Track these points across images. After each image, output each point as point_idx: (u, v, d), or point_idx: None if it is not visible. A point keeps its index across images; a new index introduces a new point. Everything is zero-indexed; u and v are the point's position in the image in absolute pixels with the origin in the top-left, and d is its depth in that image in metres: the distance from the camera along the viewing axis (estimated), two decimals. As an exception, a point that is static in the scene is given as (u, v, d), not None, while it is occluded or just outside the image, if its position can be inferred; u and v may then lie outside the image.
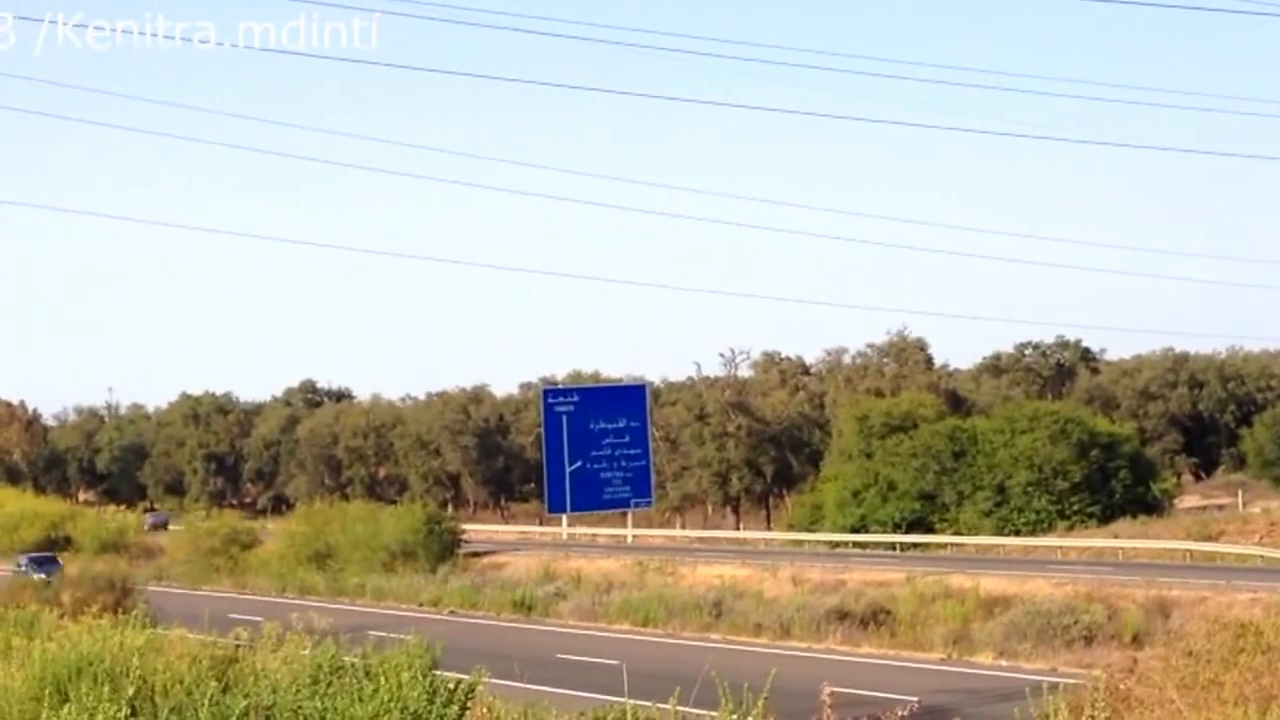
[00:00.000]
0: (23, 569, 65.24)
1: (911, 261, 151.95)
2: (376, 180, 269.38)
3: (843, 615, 44.23)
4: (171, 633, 23.17)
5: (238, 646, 21.77)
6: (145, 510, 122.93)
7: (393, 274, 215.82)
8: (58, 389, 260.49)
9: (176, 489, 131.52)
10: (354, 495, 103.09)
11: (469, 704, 15.90)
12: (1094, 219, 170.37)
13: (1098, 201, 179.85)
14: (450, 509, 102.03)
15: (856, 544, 71.84)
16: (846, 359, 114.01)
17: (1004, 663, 37.99)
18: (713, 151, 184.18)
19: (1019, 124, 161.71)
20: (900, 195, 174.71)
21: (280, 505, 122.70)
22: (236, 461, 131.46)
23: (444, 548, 65.46)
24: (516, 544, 77.95)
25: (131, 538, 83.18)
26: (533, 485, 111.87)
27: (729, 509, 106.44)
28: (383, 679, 15.25)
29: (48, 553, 72.94)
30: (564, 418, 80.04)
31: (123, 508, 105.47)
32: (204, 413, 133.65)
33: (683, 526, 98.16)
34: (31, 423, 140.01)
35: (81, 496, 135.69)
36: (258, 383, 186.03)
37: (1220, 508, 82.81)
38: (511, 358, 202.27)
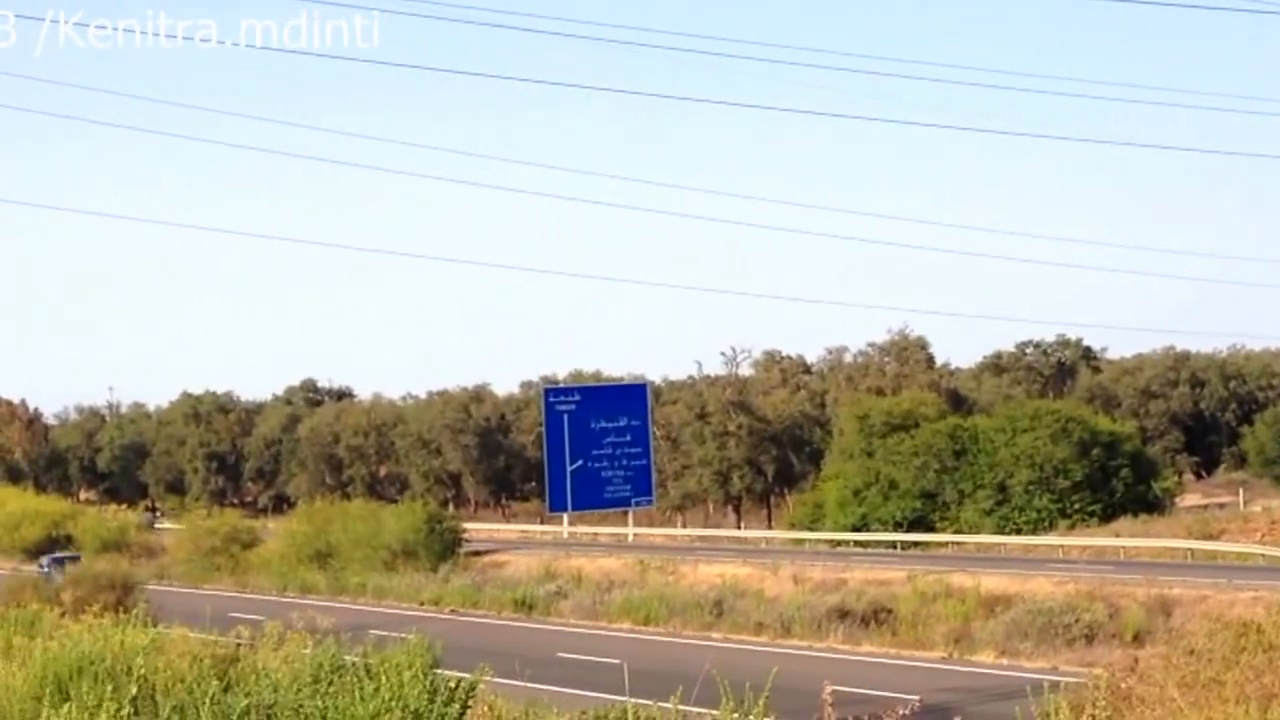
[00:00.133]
0: (45, 570, 63.91)
1: (912, 260, 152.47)
2: (377, 179, 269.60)
3: (844, 614, 44.25)
4: (173, 632, 23.17)
5: (239, 645, 21.78)
6: (146, 509, 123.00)
7: (394, 273, 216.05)
8: (59, 388, 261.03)
9: (177, 488, 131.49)
10: (355, 494, 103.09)
11: (470, 703, 15.89)
12: (1095, 218, 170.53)
13: (1099, 200, 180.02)
14: (451, 508, 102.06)
15: (857, 543, 71.83)
16: (847, 358, 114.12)
17: (1005, 661, 38.01)
18: (713, 150, 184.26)
19: (1020, 123, 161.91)
20: (901, 194, 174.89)
21: (281, 504, 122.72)
22: (237, 460, 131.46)
23: (445, 547, 65.47)
24: (517, 543, 77.95)
25: (133, 537, 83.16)
26: (534, 484, 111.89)
27: (730, 508, 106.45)
28: (384, 678, 15.25)
29: (73, 553, 71.55)
30: (565, 417, 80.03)
31: (124, 507, 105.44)
32: (205, 412, 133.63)
33: (684, 525, 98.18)
34: (32, 422, 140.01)
35: (83, 495, 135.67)
36: (259, 382, 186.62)
37: (1221, 506, 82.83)
38: (512, 357, 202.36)
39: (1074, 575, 48.45)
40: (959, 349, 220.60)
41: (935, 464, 77.44)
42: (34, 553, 79.01)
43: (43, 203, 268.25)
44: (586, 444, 79.29)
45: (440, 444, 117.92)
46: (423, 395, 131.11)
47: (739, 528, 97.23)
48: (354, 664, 16.83)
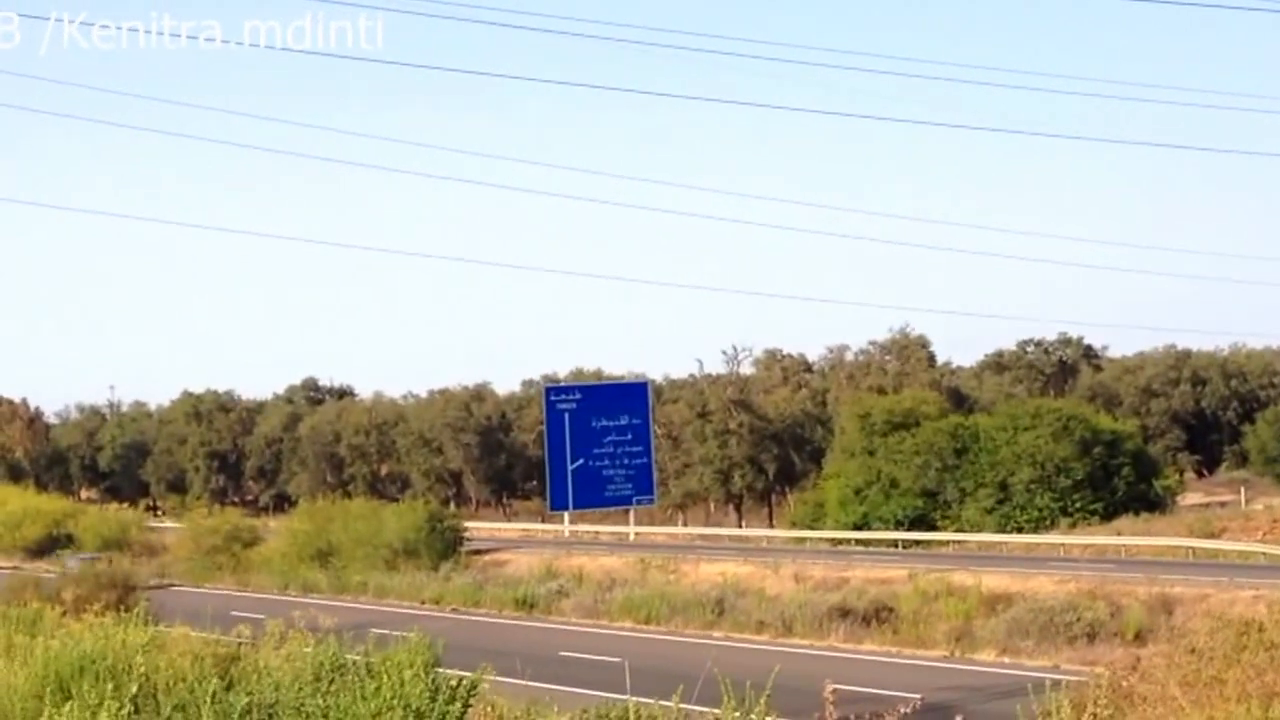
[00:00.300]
0: (72, 571, 62.98)
1: (913, 259, 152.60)
2: (378, 178, 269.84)
3: (845, 613, 44.24)
4: (174, 630, 23.17)
5: (240, 644, 21.78)
6: (147, 508, 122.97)
7: (395, 271, 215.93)
8: (60, 387, 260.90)
9: (179, 487, 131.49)
10: (356, 493, 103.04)
11: (471, 702, 15.89)
12: (1096, 216, 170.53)
13: (1100, 199, 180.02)
14: (452, 507, 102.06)
15: (859, 541, 71.83)
16: (849, 356, 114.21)
17: (1006, 660, 38.02)
18: (714, 149, 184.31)
19: (1021, 121, 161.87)
20: (902, 193, 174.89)
21: (282, 503, 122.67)
22: (238, 459, 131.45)
23: (446, 545, 65.45)
24: (518, 541, 77.92)
25: (134, 535, 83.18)
26: (535, 483, 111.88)
27: (731, 506, 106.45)
28: (385, 677, 15.25)
29: (93, 553, 70.61)
30: (566, 415, 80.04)
31: (125, 505, 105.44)
32: (206, 410, 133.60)
33: (685, 524, 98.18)
34: (34, 420, 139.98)
35: (84, 494, 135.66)
36: (260, 380, 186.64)
37: (1223, 505, 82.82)
38: (514, 355, 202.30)
39: (1075, 574, 48.44)
40: (960, 347, 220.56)
41: (936, 463, 77.44)
42: (35, 551, 78.94)
43: (44, 201, 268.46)
44: (588, 442, 79.29)
45: (441, 443, 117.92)
46: (424, 394, 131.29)
47: (740, 526, 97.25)
48: (355, 663, 16.84)
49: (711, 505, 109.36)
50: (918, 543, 69.52)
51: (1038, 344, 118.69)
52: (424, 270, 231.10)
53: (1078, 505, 74.40)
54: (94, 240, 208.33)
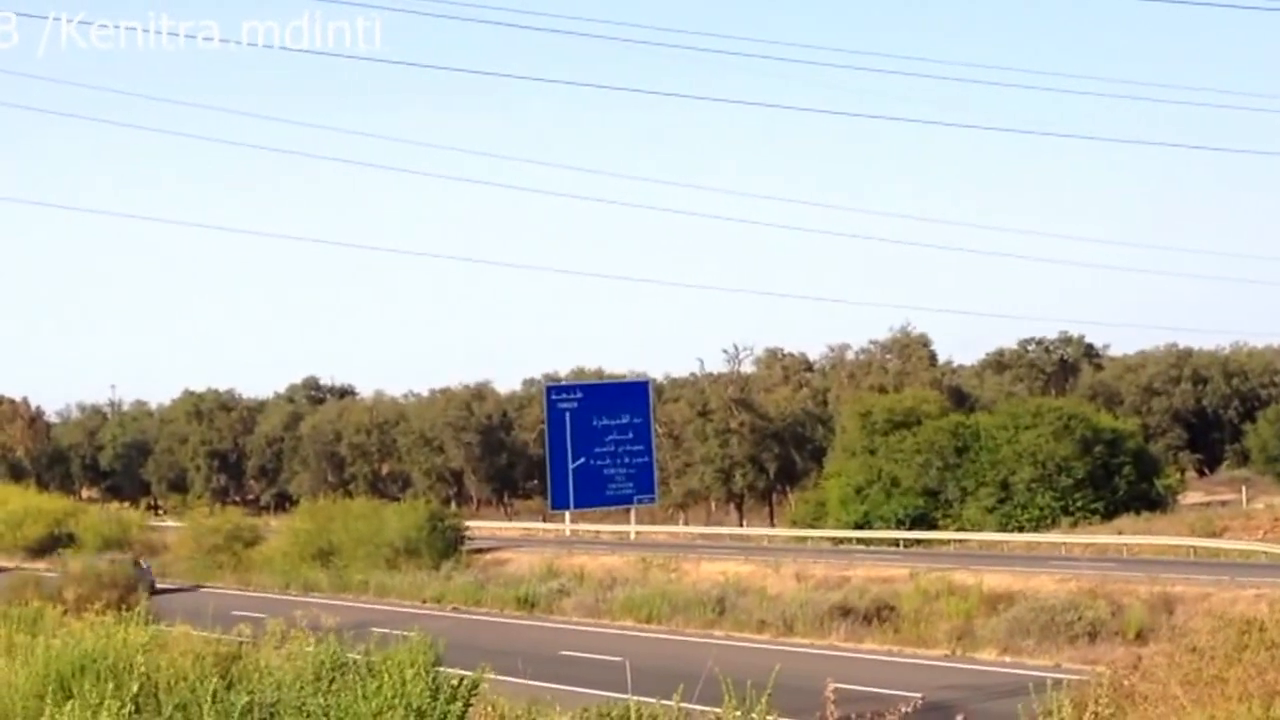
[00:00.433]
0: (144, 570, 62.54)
1: (914, 257, 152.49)
2: (379, 177, 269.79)
3: (846, 611, 44.23)
4: (175, 629, 23.16)
5: (241, 643, 21.78)
6: (148, 507, 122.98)
7: (396, 270, 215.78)
8: (61, 386, 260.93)
9: (180, 486, 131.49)
10: (357, 492, 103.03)
11: (472, 701, 15.90)
12: (1097, 215, 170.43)
13: (1101, 197, 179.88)
14: (453, 506, 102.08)
15: (860, 540, 71.85)
16: (850, 355, 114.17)
17: (1008, 659, 38.01)
18: (715, 148, 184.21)
19: (1023, 120, 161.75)
20: (903, 191, 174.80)
21: (283, 502, 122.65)
22: (239, 458, 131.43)
23: (447, 544, 65.46)
24: (519, 541, 77.94)
25: (135, 534, 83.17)
26: (536, 482, 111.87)
27: (732, 505, 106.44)
28: (386, 676, 15.26)
29: (132, 555, 69.05)
30: (567, 414, 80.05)
31: (126, 505, 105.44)
32: (207, 409, 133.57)
33: (686, 523, 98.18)
34: (34, 419, 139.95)
35: (85, 493, 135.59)
36: (260, 379, 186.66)
37: (1224, 504, 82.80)
38: (515, 354, 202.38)
39: (1076, 573, 48.44)
40: (961, 346, 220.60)
41: (937, 461, 77.42)
42: (36, 551, 78.79)
43: (44, 200, 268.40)
44: (589, 441, 79.31)
45: (442, 442, 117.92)
46: (425, 393, 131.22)
47: (741, 525, 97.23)
48: (356, 662, 16.84)
49: (712, 504, 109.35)
50: (919, 542, 69.53)
51: (1039, 343, 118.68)
52: (425, 269, 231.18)
53: (1079, 504, 74.39)
54: (95, 239, 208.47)
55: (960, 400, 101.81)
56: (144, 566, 64.07)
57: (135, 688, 15.47)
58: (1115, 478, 76.43)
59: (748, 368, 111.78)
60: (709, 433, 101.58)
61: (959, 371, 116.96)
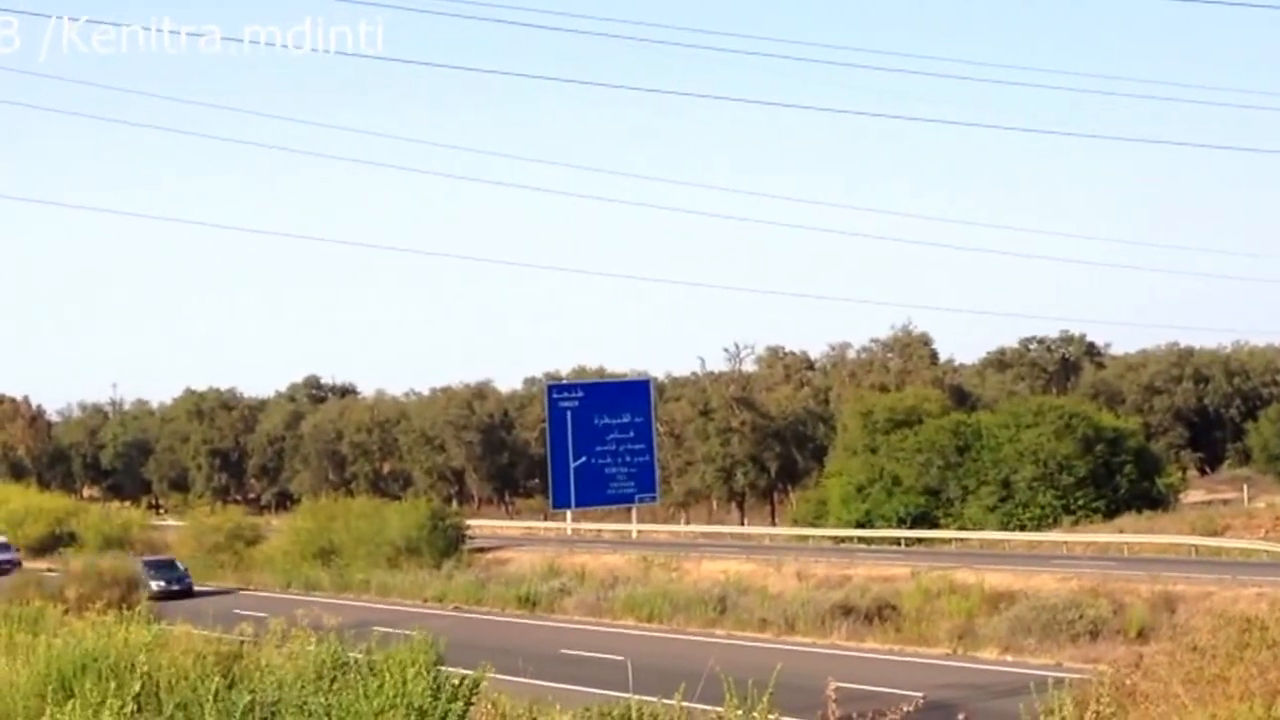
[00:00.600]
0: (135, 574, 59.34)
1: (916, 256, 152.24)
2: (380, 175, 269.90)
3: (847, 610, 44.23)
4: (176, 629, 23.18)
5: (242, 642, 21.78)
6: (149, 506, 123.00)
7: (397, 269, 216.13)
8: (62, 385, 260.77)
9: (181, 485, 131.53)
10: (358, 491, 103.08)
11: (473, 700, 15.91)
12: (1098, 213, 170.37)
13: (1102, 196, 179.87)
14: (454, 505, 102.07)
15: (861, 539, 71.86)
16: (851, 354, 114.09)
17: (1009, 658, 37.99)
18: (716, 147, 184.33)
19: (1025, 119, 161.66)
20: (904, 190, 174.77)
21: (284, 501, 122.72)
22: (241, 457, 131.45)
23: (448, 543, 65.48)
24: (521, 539, 77.97)
25: (136, 533, 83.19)
26: (537, 481, 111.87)
27: (733, 504, 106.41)
28: (388, 675, 15.27)
29: (167, 556, 67.00)
30: (568, 413, 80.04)
31: (127, 504, 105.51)
32: (208, 408, 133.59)
33: (687, 522, 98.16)
34: (36, 418, 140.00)
35: (86, 492, 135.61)
36: (262, 378, 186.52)
37: (1225, 502, 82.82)
38: (516, 353, 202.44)
39: (1078, 571, 48.45)
40: (962, 345, 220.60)
41: (939, 460, 77.39)
42: (37, 550, 78.76)
43: (45, 199, 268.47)
44: (590, 440, 79.30)
45: (444, 440, 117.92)
46: (426, 392, 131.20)
47: (742, 524, 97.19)
48: (358, 661, 16.84)
49: (714, 503, 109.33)
50: (920, 540, 69.52)
51: (1040, 341, 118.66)
52: (426, 268, 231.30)
53: (1080, 503, 74.35)
54: (96, 238, 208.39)
55: (962, 399, 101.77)
56: (181, 569, 62.69)
57: (136, 687, 15.48)
58: (1117, 476, 76.39)
59: (749, 366, 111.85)
60: (710, 431, 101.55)
61: (960, 370, 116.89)
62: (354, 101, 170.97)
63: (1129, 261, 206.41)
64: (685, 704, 13.92)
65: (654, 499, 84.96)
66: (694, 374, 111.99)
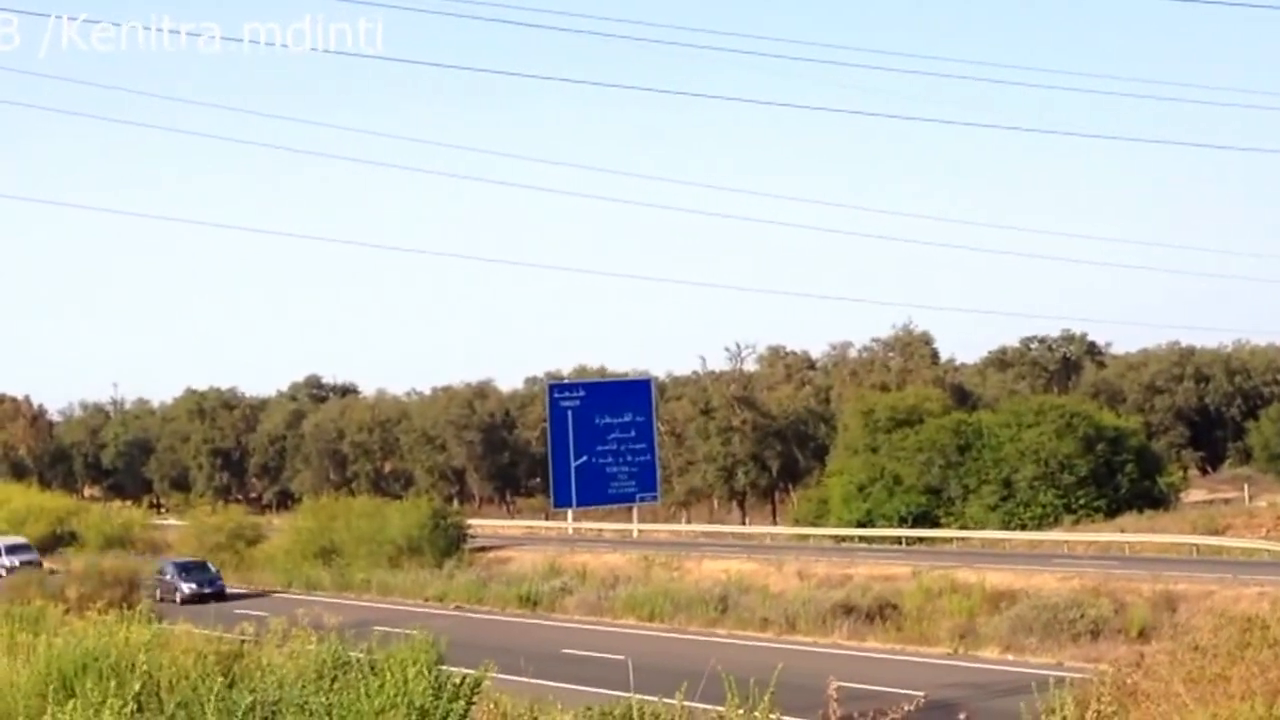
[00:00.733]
0: (166, 578, 59.11)
1: (917, 255, 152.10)
2: (381, 175, 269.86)
3: (849, 610, 44.24)
4: (177, 628, 23.19)
5: (243, 642, 21.78)
6: (150, 505, 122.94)
7: (398, 269, 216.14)
8: (63, 384, 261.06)
9: (182, 484, 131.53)
10: (359, 490, 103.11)
11: (475, 699, 15.91)
12: (1100, 212, 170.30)
13: (1103, 195, 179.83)
14: (456, 504, 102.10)
15: (862, 538, 71.87)
16: (852, 353, 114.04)
17: (1010, 657, 38.00)
18: (718, 146, 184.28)
19: (1026, 118, 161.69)
20: (905, 189, 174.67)
21: (286, 500, 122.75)
22: (242, 457, 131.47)
23: (449, 543, 65.49)
24: (522, 539, 77.98)
25: (137, 533, 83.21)
26: (538, 480, 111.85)
27: (734, 504, 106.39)
28: (389, 674, 15.26)
29: (198, 558, 65.06)
30: (569, 412, 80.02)
31: (128, 503, 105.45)
32: (209, 408, 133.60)
33: (688, 521, 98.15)
34: (37, 418, 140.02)
35: (87, 492, 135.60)
36: (263, 378, 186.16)
37: (1226, 502, 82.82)
38: (517, 352, 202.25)
39: (1079, 571, 48.45)
40: (963, 344, 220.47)
41: (940, 459, 77.35)
42: (39, 549, 78.70)
43: (46, 198, 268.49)
44: (591, 440, 79.27)
45: (445, 440, 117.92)
46: (427, 391, 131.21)
47: (744, 523, 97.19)
48: (359, 660, 16.84)
49: (715, 502, 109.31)
50: (921, 540, 69.52)
51: (1041, 340, 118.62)
52: (427, 267, 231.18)
53: (1081, 502, 74.31)
54: (97, 237, 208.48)
55: (963, 398, 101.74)
56: (213, 571, 61.06)
57: (137, 686, 15.47)
58: (1118, 476, 76.35)
59: (750, 366, 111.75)
60: (711, 431, 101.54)
61: (961, 369, 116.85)
62: (354, 100, 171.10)
63: (1130, 261, 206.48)
64: (686, 703, 13.92)
65: (655, 498, 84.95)
66: (695, 373, 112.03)
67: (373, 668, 16.10)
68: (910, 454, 78.40)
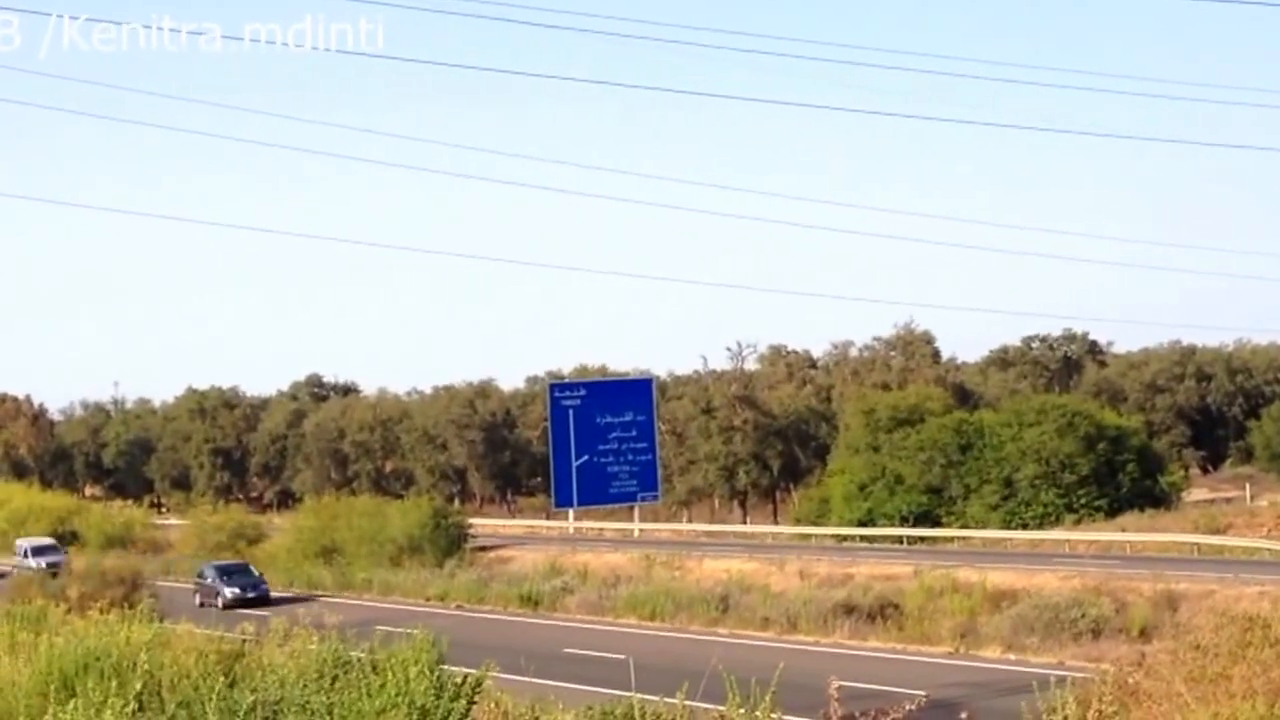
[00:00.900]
0: (206, 582, 57.20)
1: (918, 254, 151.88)
2: (383, 173, 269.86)
3: (850, 609, 44.24)
4: (178, 627, 23.20)
5: (245, 641, 21.79)
6: (152, 505, 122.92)
7: (399, 268, 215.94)
8: (64, 383, 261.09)
9: (183, 483, 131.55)
10: (360, 490, 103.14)
11: (476, 699, 15.90)
12: (1101, 212, 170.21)
13: (1105, 194, 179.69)
14: (457, 503, 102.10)
15: (863, 538, 71.85)
16: (853, 352, 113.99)
17: (1011, 656, 38.00)
18: (719, 145, 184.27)
19: (1027, 117, 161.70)
20: (906, 188, 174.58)
21: (287, 500, 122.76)
22: (243, 456, 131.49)
23: (451, 542, 65.50)
24: (523, 538, 78.01)
25: (138, 532, 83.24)
26: (539, 479, 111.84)
27: (736, 503, 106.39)
28: (390, 674, 15.26)
29: (240, 561, 62.71)
30: (570, 412, 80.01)
31: (129, 502, 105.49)
32: (210, 407, 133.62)
33: (689, 521, 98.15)
34: (38, 417, 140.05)
35: (88, 491, 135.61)
36: (264, 377, 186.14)
37: (1228, 501, 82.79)
38: (518, 352, 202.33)
39: (1080, 570, 48.45)
40: (965, 343, 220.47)
41: (941, 459, 77.36)
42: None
43: (46, 198, 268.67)
44: (592, 439, 79.26)
45: (446, 439, 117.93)
46: (428, 390, 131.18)
47: (745, 523, 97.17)
48: (360, 660, 16.84)
49: (716, 502, 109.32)
50: (922, 539, 69.52)
51: (1042, 340, 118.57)
52: (428, 266, 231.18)
53: (1082, 501, 74.31)
54: (98, 237, 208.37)
55: (964, 397, 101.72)
56: (256, 574, 58.87)
57: (138, 686, 15.46)
58: (1119, 475, 76.35)
59: (751, 365, 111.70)
60: (712, 430, 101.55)
61: (963, 368, 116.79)
62: (355, 100, 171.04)
63: (1131, 260, 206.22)
64: (688, 703, 13.91)
65: (656, 498, 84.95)
66: (696, 372, 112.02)
67: (374, 667, 16.09)
68: (911, 453, 78.41)
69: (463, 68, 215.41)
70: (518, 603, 53.28)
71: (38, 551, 69.06)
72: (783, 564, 55.23)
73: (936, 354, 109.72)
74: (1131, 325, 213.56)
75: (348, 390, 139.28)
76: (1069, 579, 46.18)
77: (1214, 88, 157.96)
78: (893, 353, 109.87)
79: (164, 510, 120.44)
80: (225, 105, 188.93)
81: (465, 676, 15.84)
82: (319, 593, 59.03)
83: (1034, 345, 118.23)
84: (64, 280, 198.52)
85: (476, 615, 51.64)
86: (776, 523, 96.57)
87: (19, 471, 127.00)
